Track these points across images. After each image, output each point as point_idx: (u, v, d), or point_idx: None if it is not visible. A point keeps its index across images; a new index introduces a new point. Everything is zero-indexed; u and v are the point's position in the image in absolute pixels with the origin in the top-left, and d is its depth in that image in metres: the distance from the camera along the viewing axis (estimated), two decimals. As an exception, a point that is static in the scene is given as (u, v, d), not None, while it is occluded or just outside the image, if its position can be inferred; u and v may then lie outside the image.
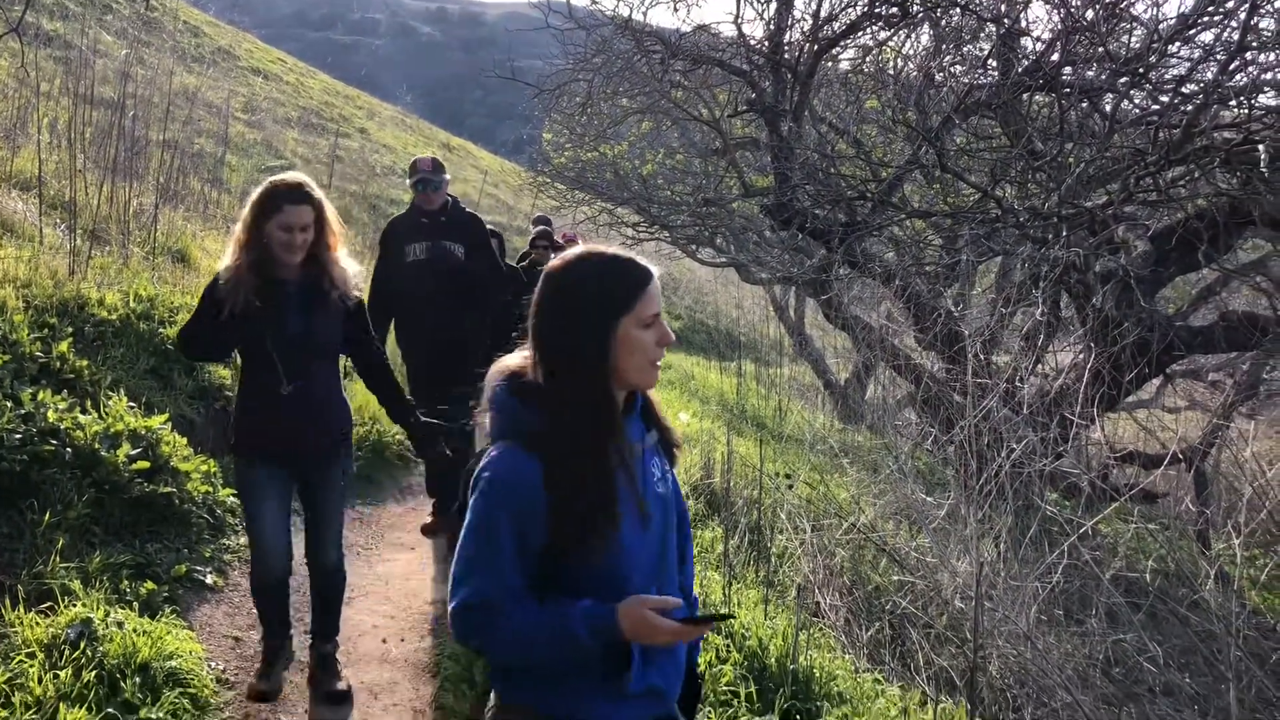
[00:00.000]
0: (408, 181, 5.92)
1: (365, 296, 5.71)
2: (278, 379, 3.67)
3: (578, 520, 1.93)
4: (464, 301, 5.78)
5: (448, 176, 5.96)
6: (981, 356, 6.60)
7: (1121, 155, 6.27)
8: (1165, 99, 6.40)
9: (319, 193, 3.70)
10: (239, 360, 3.92)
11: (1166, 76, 6.61)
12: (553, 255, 7.83)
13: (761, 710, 4.00)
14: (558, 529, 1.93)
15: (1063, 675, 4.20)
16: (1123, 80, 6.40)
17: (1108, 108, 6.82)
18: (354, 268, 3.87)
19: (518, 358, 2.09)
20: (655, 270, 2.04)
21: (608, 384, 1.99)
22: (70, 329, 5.59)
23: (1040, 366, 7.45)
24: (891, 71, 8.68)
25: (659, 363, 2.05)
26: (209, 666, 4.13)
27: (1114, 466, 7.45)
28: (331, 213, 3.75)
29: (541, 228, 8.52)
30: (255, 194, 3.64)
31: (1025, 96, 7.08)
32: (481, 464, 2.00)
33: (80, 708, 3.38)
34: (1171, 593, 4.69)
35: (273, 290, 3.64)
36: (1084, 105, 6.76)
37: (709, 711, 3.88)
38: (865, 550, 5.89)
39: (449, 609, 1.97)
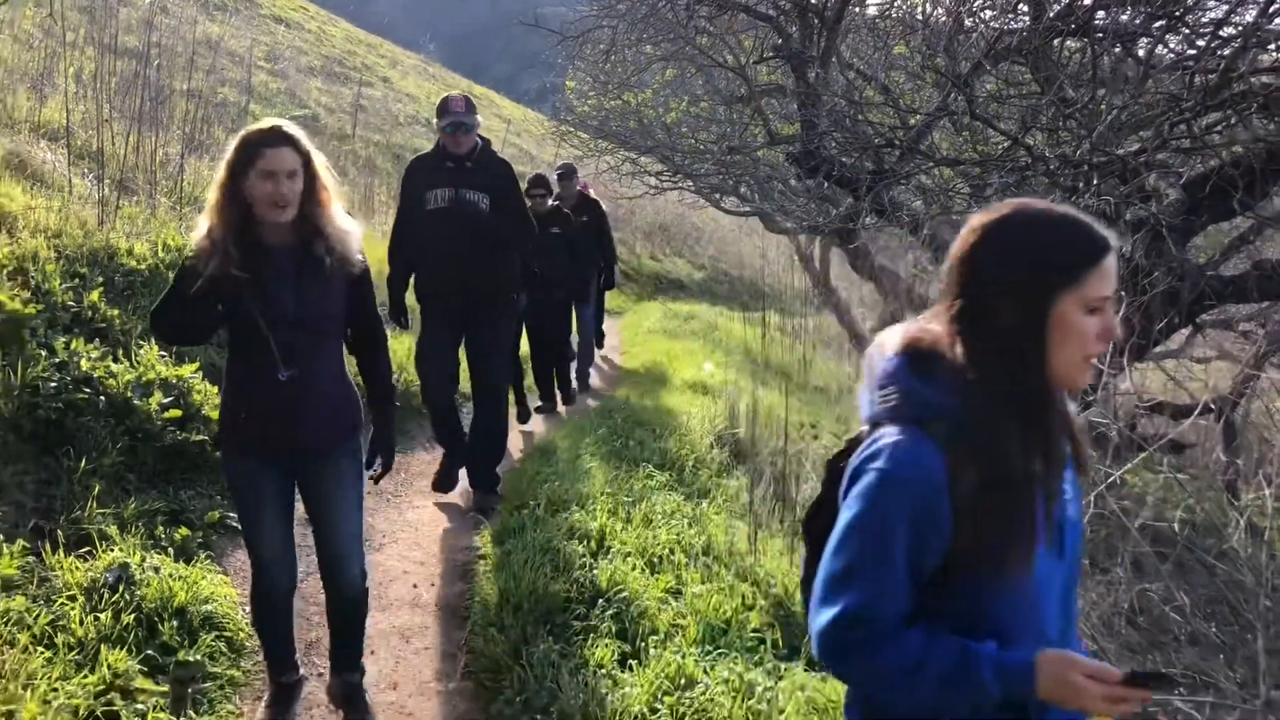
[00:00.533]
0: (436, 123, 5.58)
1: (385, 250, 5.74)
2: (272, 363, 3.11)
3: (996, 532, 1.58)
4: (486, 255, 5.53)
5: (480, 119, 5.58)
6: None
7: (1155, 101, 6.16)
8: (1202, 43, 6.27)
9: (304, 138, 3.15)
10: (226, 341, 3.36)
11: (1204, 20, 6.48)
12: (550, 204, 7.26)
13: (788, 655, 4.05)
14: (968, 541, 1.57)
15: (1088, 623, 4.21)
16: (1158, 24, 6.27)
17: (1142, 53, 6.69)
18: (355, 228, 3.33)
19: (912, 325, 1.74)
20: (1114, 241, 1.64)
21: (1045, 372, 1.62)
22: (100, 278, 5.63)
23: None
24: (920, 17, 8.53)
25: (1092, 361, 1.67)
26: (244, 611, 4.21)
27: (1142, 416, 7.40)
28: (322, 163, 3.21)
29: (538, 174, 8.44)
30: (229, 146, 3.12)
31: (1057, 42, 6.95)
32: (869, 451, 1.65)
33: (120, 649, 3.45)
34: (1199, 543, 4.69)
35: (259, 258, 3.06)
36: (1117, 50, 6.63)
37: (735, 656, 3.93)
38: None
39: (819, 620, 1.62)
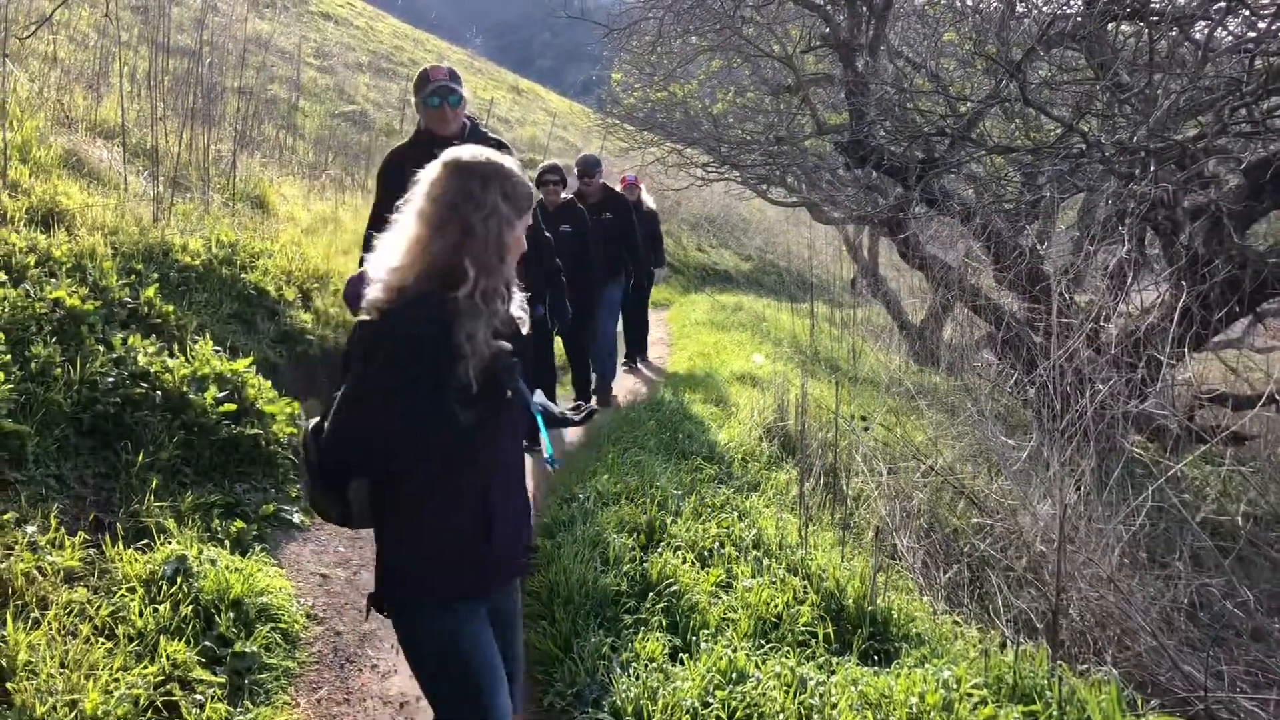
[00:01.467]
0: (414, 98, 4.70)
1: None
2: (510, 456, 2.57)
3: None
4: None
5: (465, 90, 4.78)
6: (1066, 295, 6.45)
7: (1215, 85, 6.02)
8: (1263, 25, 6.12)
9: None
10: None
11: (1265, 1, 6.32)
12: (564, 194, 6.88)
13: (839, 650, 4.01)
14: None
15: (1147, 619, 4.13)
16: (1217, 6, 6.13)
17: (1200, 36, 6.55)
18: None
19: None
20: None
21: None
22: (156, 275, 5.72)
23: (1125, 306, 7.25)
24: (970, 3, 8.42)
25: None
26: (298, 603, 4.26)
27: (1202, 407, 7.26)
28: None
29: (552, 163, 7.85)
30: (480, 159, 2.41)
31: (1111, 26, 6.82)
32: None
33: (179, 640, 3.50)
34: (1263, 536, 4.59)
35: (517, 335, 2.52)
36: (1174, 33, 6.49)
37: (787, 650, 3.90)
38: (943, 493, 5.84)
39: None
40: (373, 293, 2.34)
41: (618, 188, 9.37)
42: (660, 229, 10.68)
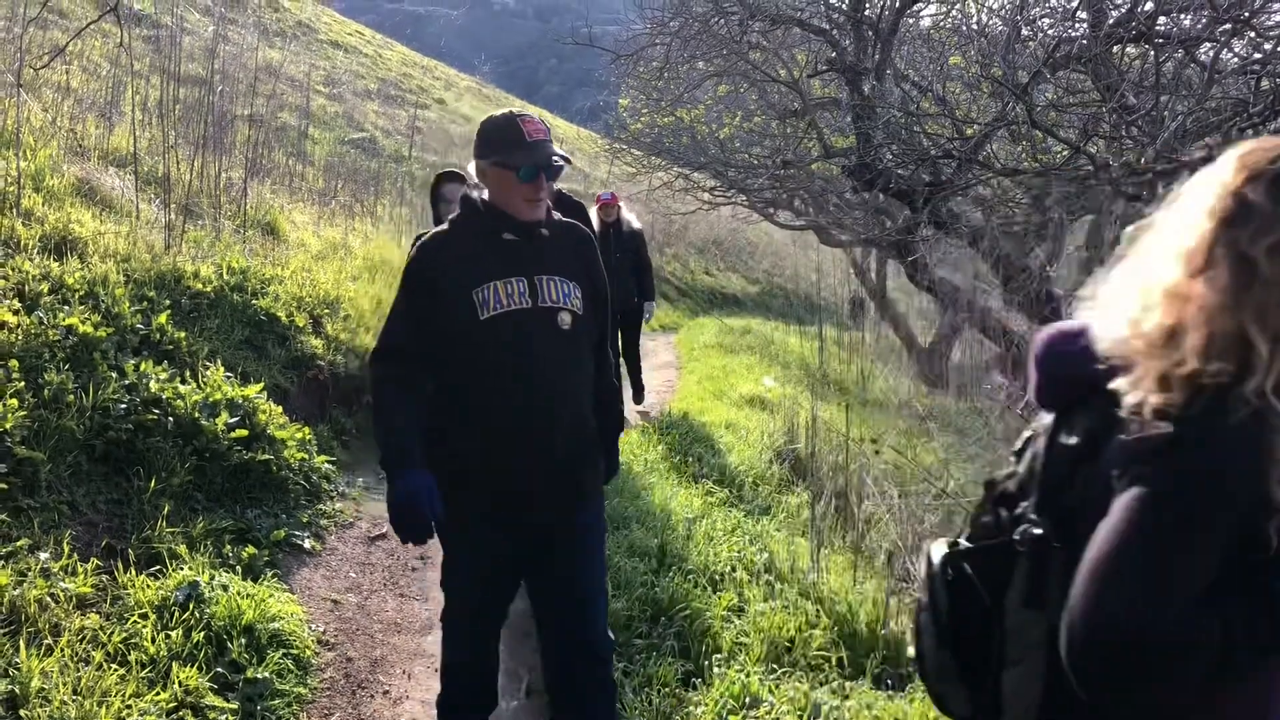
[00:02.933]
0: (484, 159, 2.87)
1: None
2: None
3: None
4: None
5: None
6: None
7: (1221, 106, 6.04)
8: (1269, 46, 6.13)
9: None
10: None
11: (1270, 23, 6.34)
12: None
13: (853, 675, 3.99)
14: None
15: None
16: (1223, 28, 6.15)
17: (1205, 58, 6.56)
18: None
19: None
20: None
21: None
22: (168, 301, 5.75)
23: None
24: (976, 26, 8.46)
25: None
26: (310, 628, 4.25)
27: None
28: None
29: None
30: None
31: (1117, 49, 6.84)
32: None
33: (191, 667, 3.50)
34: None
35: None
36: (1180, 55, 6.51)
37: (800, 675, 3.88)
38: (956, 516, 5.82)
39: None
40: (1128, 380, 1.45)
41: (592, 210, 8.17)
42: (647, 254, 9.05)
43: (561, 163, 2.85)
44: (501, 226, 2.89)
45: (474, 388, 2.86)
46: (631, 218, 9.00)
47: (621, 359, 8.72)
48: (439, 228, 3.06)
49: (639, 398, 9.28)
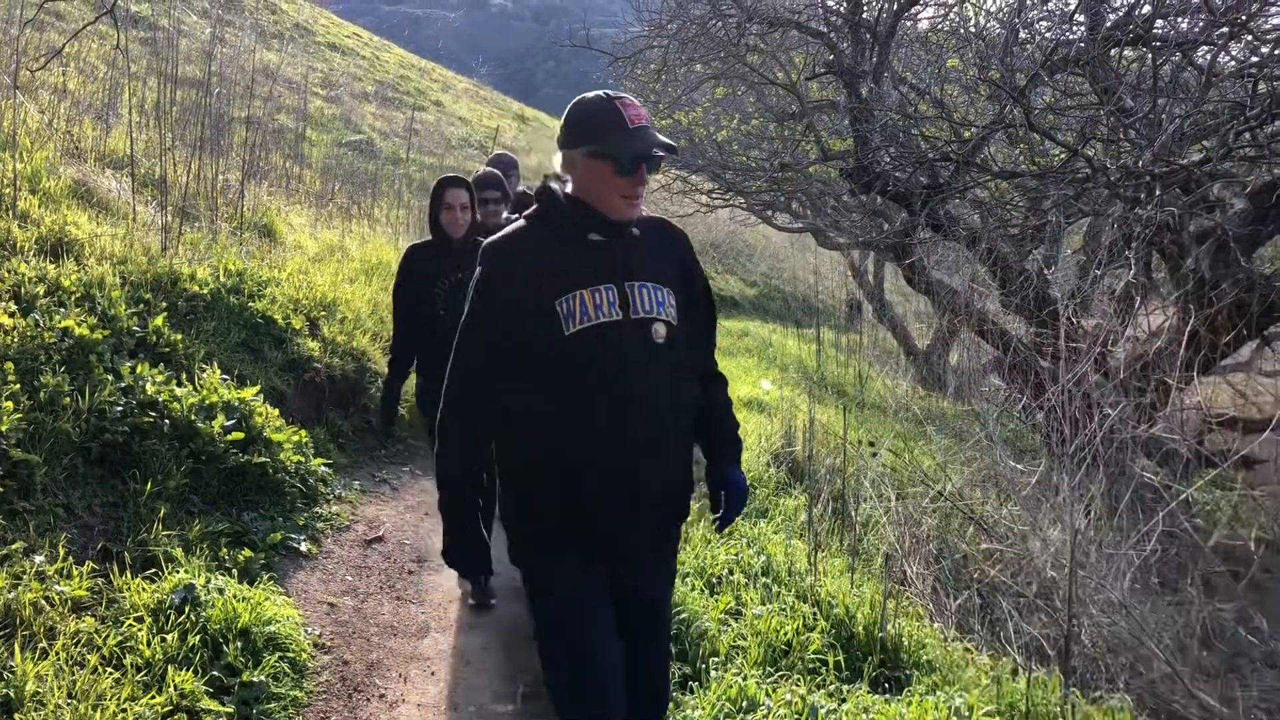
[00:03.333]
0: (573, 147, 2.54)
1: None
2: None
3: None
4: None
5: None
6: (1073, 319, 6.45)
7: (1219, 110, 6.04)
8: (1266, 49, 6.14)
9: None
10: None
11: (1267, 26, 6.35)
12: (506, 216, 5.24)
13: (850, 678, 3.99)
14: None
15: (1159, 645, 4.10)
16: (1220, 32, 6.15)
17: (1203, 61, 6.57)
18: None
19: None
20: None
21: None
22: (164, 304, 5.74)
23: (1132, 330, 7.25)
24: (974, 29, 8.46)
25: None
26: (306, 632, 4.24)
27: (1211, 431, 7.23)
28: None
29: (489, 170, 5.79)
30: None
31: (1115, 51, 6.85)
32: None
33: (186, 670, 3.49)
34: (1276, 562, 4.56)
35: None
36: (1177, 59, 6.52)
37: (797, 679, 3.88)
38: (952, 518, 5.82)
39: None
40: None
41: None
42: None
43: (665, 153, 2.48)
44: (588, 225, 2.53)
45: (553, 418, 2.49)
46: None
47: None
48: (514, 225, 2.63)
49: None
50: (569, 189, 2.57)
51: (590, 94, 2.57)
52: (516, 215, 5.62)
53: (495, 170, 5.82)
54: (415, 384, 5.06)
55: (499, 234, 2.61)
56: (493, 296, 2.49)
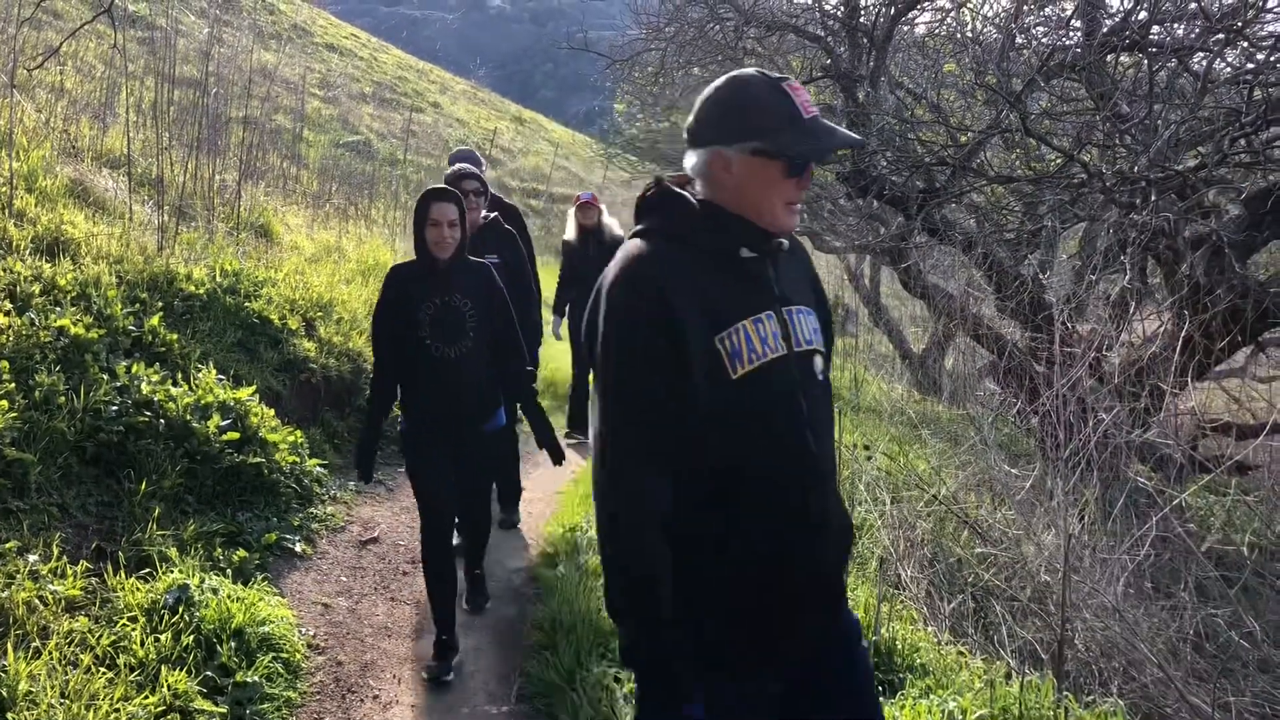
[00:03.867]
0: (738, 142, 2.00)
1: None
2: None
3: None
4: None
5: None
6: (1068, 324, 6.46)
7: (1214, 116, 6.06)
8: (1261, 55, 6.16)
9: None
10: None
11: (1263, 32, 6.37)
12: (483, 210, 5.23)
13: (844, 681, 3.99)
14: None
15: (1153, 649, 4.11)
16: (1216, 38, 6.17)
17: (1199, 67, 6.59)
18: None
19: None
20: None
21: None
22: (160, 303, 5.74)
23: (1127, 335, 7.26)
24: (971, 34, 8.48)
25: None
26: (300, 632, 4.24)
27: (1205, 437, 7.25)
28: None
29: (463, 165, 5.72)
30: None
31: (1111, 57, 6.86)
32: None
33: (180, 670, 3.49)
34: (1269, 567, 4.57)
35: None
36: (1173, 65, 6.53)
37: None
38: (946, 522, 5.82)
39: None
40: None
41: (569, 212, 7.74)
42: None
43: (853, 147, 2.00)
44: (739, 240, 2.01)
45: (718, 488, 1.94)
46: (613, 223, 7.77)
47: (575, 383, 7.96)
48: (638, 244, 2.01)
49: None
50: (702, 194, 2.05)
51: (747, 74, 2.04)
52: (495, 212, 5.72)
53: (468, 165, 5.64)
54: (399, 424, 4.49)
55: (630, 255, 1.99)
56: (657, 331, 1.89)
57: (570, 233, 7.77)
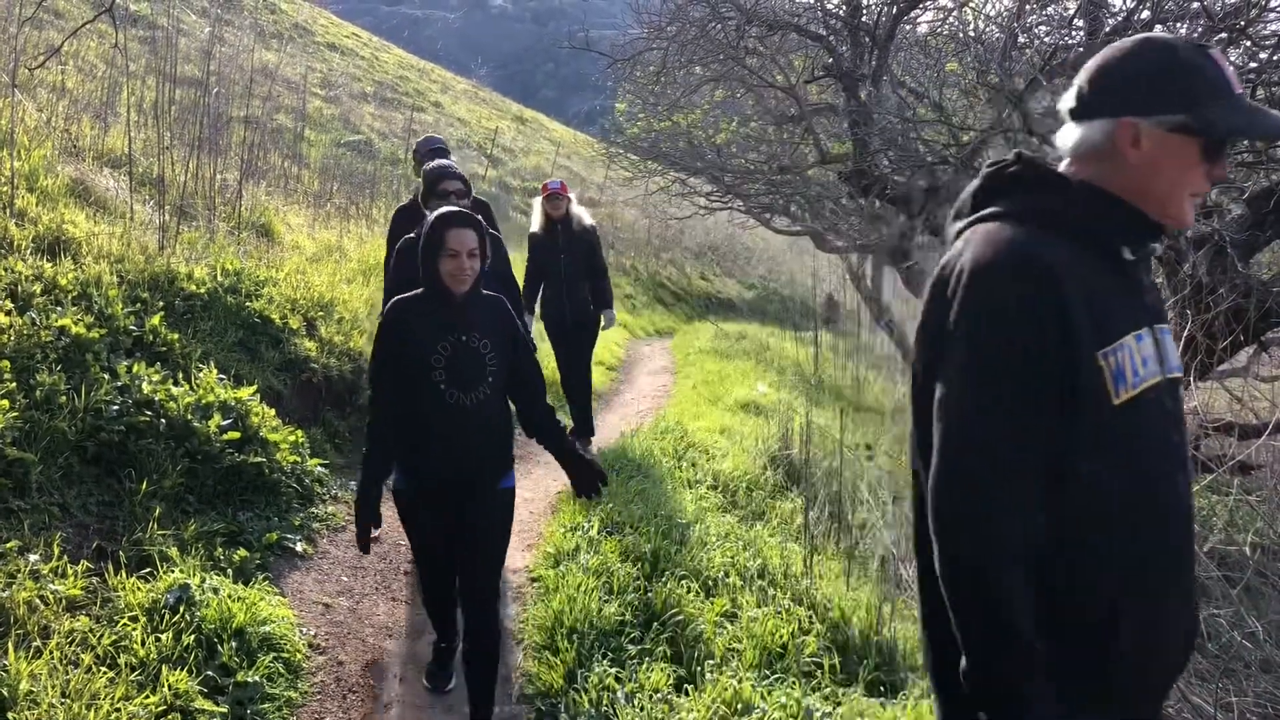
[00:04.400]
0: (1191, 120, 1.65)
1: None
2: None
3: None
4: None
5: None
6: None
7: (1217, 115, 6.05)
8: (1264, 55, 6.15)
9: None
10: None
11: (1265, 31, 6.36)
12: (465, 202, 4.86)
13: (845, 681, 3.99)
14: None
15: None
16: (1219, 37, 6.17)
17: (1202, 66, 6.58)
18: None
19: None
20: None
21: None
22: (161, 303, 5.73)
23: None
24: (973, 34, 8.47)
25: None
26: (301, 632, 4.23)
27: (1208, 436, 7.24)
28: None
29: (441, 162, 5.56)
30: None
31: (1114, 56, 6.86)
32: None
33: (181, 670, 3.48)
34: (1271, 566, 4.55)
35: None
36: (1177, 64, 6.53)
37: (793, 681, 3.87)
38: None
39: None
40: None
41: (535, 202, 7.44)
42: (603, 256, 7.56)
43: None
44: (1125, 236, 1.72)
45: (1096, 540, 1.65)
46: (583, 213, 7.41)
47: (563, 384, 7.64)
48: (1010, 229, 1.70)
49: (585, 430, 7.66)
50: (1081, 175, 1.74)
51: (1165, 37, 1.75)
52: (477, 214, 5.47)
53: (448, 163, 5.29)
54: (394, 481, 3.86)
55: (1004, 238, 1.67)
56: (1041, 343, 1.58)
57: (536, 224, 7.30)
